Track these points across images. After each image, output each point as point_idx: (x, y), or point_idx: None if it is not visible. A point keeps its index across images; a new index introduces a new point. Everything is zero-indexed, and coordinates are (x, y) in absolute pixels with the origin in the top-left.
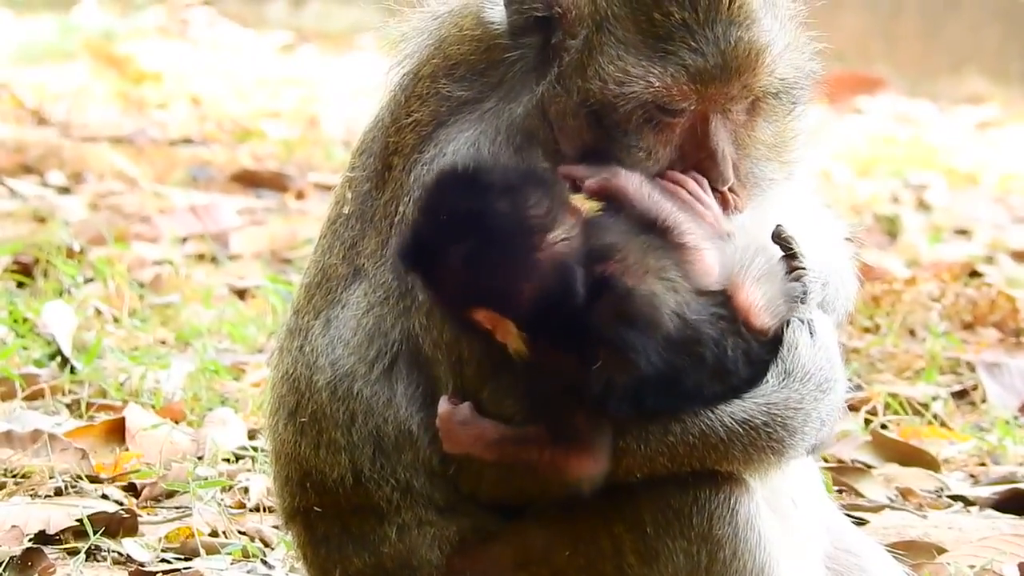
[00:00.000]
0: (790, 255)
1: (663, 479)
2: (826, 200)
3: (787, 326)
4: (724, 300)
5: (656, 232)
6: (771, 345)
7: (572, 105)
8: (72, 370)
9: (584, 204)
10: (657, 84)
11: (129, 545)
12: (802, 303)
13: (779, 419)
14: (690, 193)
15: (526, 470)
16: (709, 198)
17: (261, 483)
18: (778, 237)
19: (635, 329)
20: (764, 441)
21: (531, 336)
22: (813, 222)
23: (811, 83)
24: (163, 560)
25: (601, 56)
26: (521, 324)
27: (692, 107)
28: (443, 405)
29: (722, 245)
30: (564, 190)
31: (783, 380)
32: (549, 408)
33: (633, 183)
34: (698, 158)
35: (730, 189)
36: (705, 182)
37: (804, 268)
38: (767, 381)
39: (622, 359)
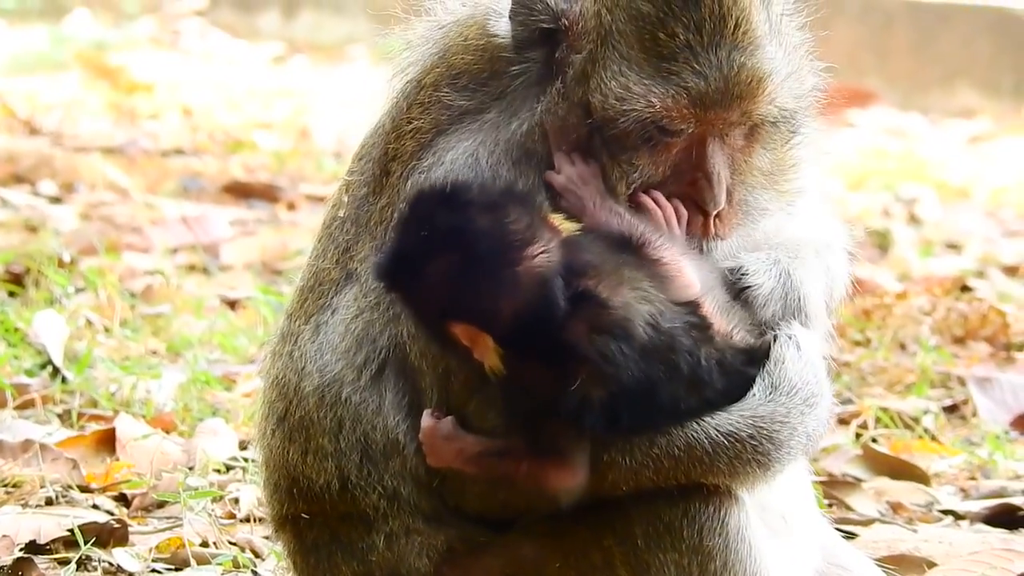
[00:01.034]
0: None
1: (653, 493)
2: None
3: (774, 341)
4: (696, 310)
5: (630, 248)
6: (745, 356)
7: (572, 119)
8: (63, 380)
9: (561, 222)
10: (658, 104)
11: (119, 555)
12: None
13: (765, 432)
14: (663, 214)
15: (507, 484)
16: (679, 224)
17: (251, 494)
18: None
19: (611, 340)
20: (750, 454)
21: (509, 352)
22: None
23: (813, 113)
24: (153, 570)
25: (604, 71)
26: (499, 339)
27: (691, 129)
28: (426, 419)
29: (695, 259)
30: (543, 207)
31: (770, 394)
32: (527, 422)
33: (593, 196)
34: (692, 178)
35: (718, 215)
36: (683, 210)
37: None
38: (753, 394)
39: (598, 371)
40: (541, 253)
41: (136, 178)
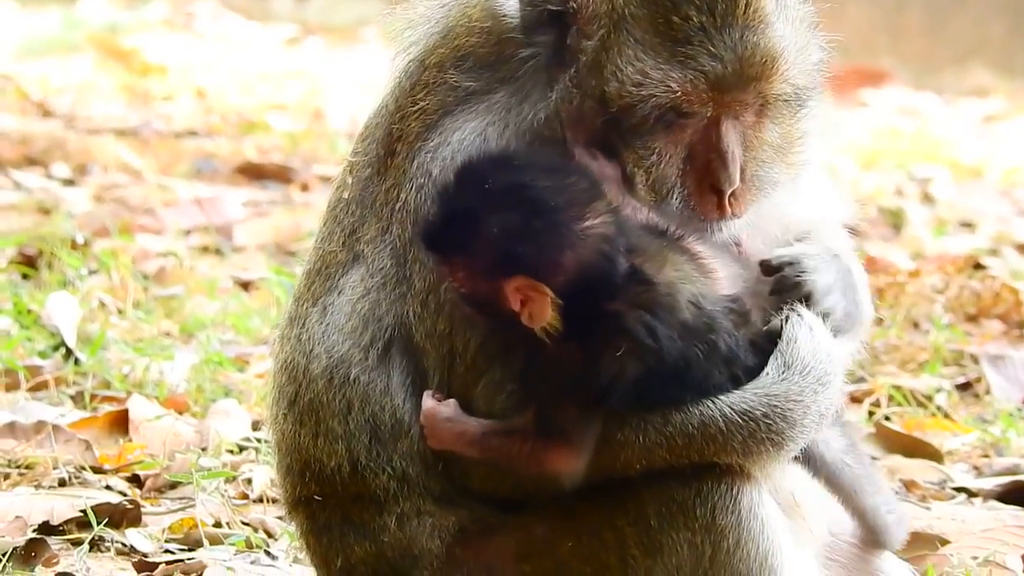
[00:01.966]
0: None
1: (666, 473)
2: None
3: (786, 321)
4: (731, 294)
5: (665, 237)
6: (770, 336)
7: (587, 105)
8: (76, 361)
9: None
10: (677, 89)
11: (133, 536)
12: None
13: (779, 411)
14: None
15: (509, 466)
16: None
17: (264, 474)
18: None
19: (655, 316)
20: (764, 433)
21: (565, 308)
22: (817, 214)
23: (820, 85)
24: (166, 551)
25: (619, 57)
26: (559, 295)
27: (708, 112)
28: (427, 401)
29: (722, 250)
30: (597, 178)
31: (783, 372)
32: (545, 399)
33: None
34: (707, 159)
35: (732, 193)
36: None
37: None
38: (767, 373)
39: (641, 344)
40: (603, 214)
41: (149, 160)
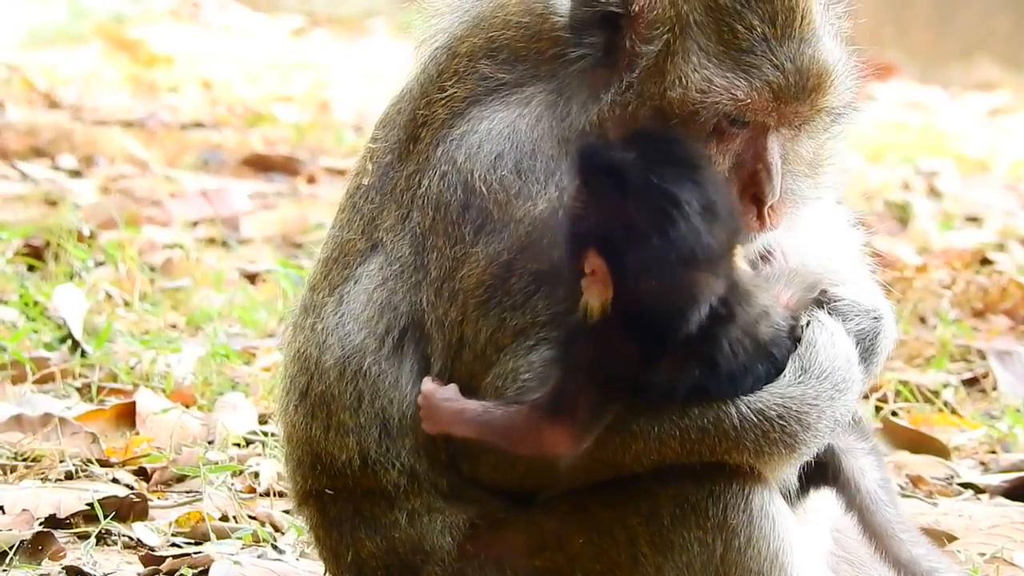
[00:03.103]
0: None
1: (678, 471)
2: (839, 189)
3: (806, 326)
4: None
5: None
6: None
7: (642, 110)
8: (83, 354)
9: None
10: (743, 97)
11: (139, 529)
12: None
13: (794, 413)
14: None
15: (507, 445)
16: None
17: (271, 468)
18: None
19: (729, 335)
20: (777, 434)
21: (612, 315)
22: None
23: (853, 104)
24: (173, 544)
25: (684, 63)
26: (619, 296)
27: (771, 122)
28: (427, 384)
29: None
30: (741, 236)
31: (800, 376)
32: (571, 372)
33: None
34: (753, 169)
35: (771, 204)
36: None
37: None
38: (784, 376)
39: (707, 359)
40: (722, 275)
41: (156, 151)
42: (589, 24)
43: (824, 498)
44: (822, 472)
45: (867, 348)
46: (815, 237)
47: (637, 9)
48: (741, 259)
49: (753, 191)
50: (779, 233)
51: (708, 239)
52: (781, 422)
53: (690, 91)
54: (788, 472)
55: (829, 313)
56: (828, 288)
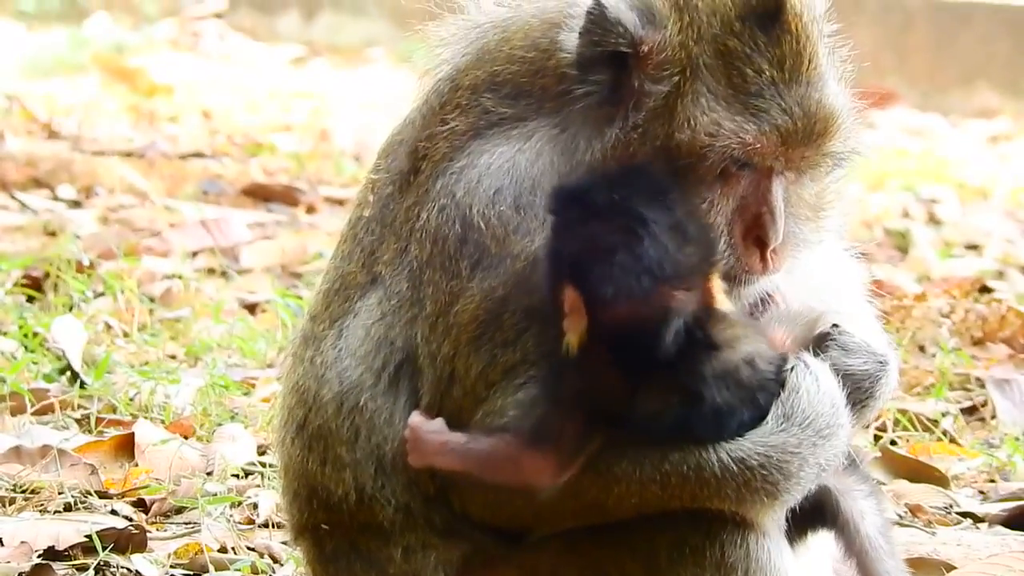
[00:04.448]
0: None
1: (674, 513)
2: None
3: (791, 370)
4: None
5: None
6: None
7: (648, 151)
8: (82, 385)
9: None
10: (751, 140)
11: (138, 561)
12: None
13: (775, 462)
14: None
15: (488, 474)
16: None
17: (270, 499)
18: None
19: (708, 372)
20: (759, 483)
21: (591, 345)
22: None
23: (858, 152)
24: None
25: (693, 105)
26: (593, 331)
27: (779, 167)
28: (414, 417)
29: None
30: (716, 259)
31: (782, 423)
32: (555, 401)
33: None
34: (758, 212)
35: (774, 248)
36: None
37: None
38: (766, 423)
39: (687, 398)
40: (692, 291)
41: (155, 181)
42: (596, 62)
43: (823, 540)
44: (821, 513)
45: (866, 390)
46: (821, 277)
47: (647, 49)
48: (729, 302)
49: (757, 234)
50: (785, 274)
51: (676, 255)
52: (763, 471)
53: (699, 134)
54: (778, 514)
55: (837, 349)
56: (839, 324)
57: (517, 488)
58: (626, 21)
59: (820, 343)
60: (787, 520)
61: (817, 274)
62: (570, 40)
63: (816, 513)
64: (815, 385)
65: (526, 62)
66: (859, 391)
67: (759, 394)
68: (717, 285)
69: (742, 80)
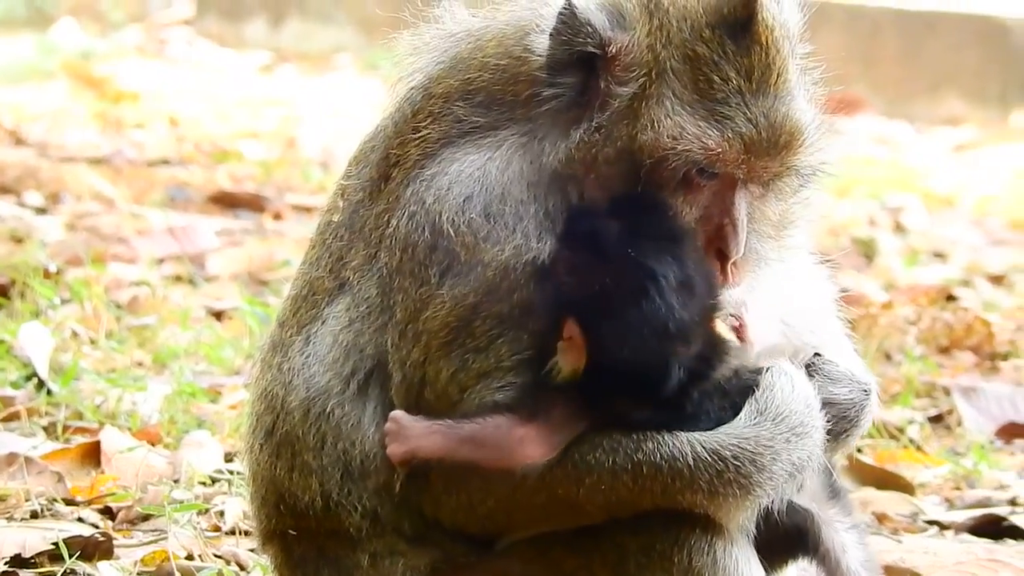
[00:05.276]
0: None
1: (644, 520)
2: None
3: (766, 370)
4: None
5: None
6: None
7: (611, 153)
8: (48, 392)
9: (725, 330)
10: (713, 147)
11: (105, 568)
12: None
13: (748, 453)
14: None
15: (474, 456)
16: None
17: (237, 506)
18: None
19: (698, 390)
20: (731, 474)
21: (587, 376)
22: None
23: (823, 170)
24: None
25: (657, 108)
26: (592, 363)
27: (739, 175)
28: (398, 412)
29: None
30: (718, 308)
31: (755, 418)
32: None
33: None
34: (720, 223)
35: (734, 261)
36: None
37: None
38: (740, 418)
39: (676, 406)
40: (687, 347)
41: (122, 188)
42: (566, 64)
43: (804, 570)
44: (803, 541)
45: (851, 419)
46: (795, 299)
47: (615, 51)
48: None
49: (718, 246)
50: (758, 293)
51: (682, 314)
52: (735, 462)
53: (661, 136)
54: (746, 518)
55: (822, 377)
56: (822, 353)
57: (501, 469)
58: (595, 22)
59: (805, 371)
60: (768, 545)
61: (790, 296)
62: (540, 42)
63: (797, 541)
64: (790, 385)
65: (499, 70)
66: (844, 419)
67: (739, 399)
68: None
69: (708, 86)
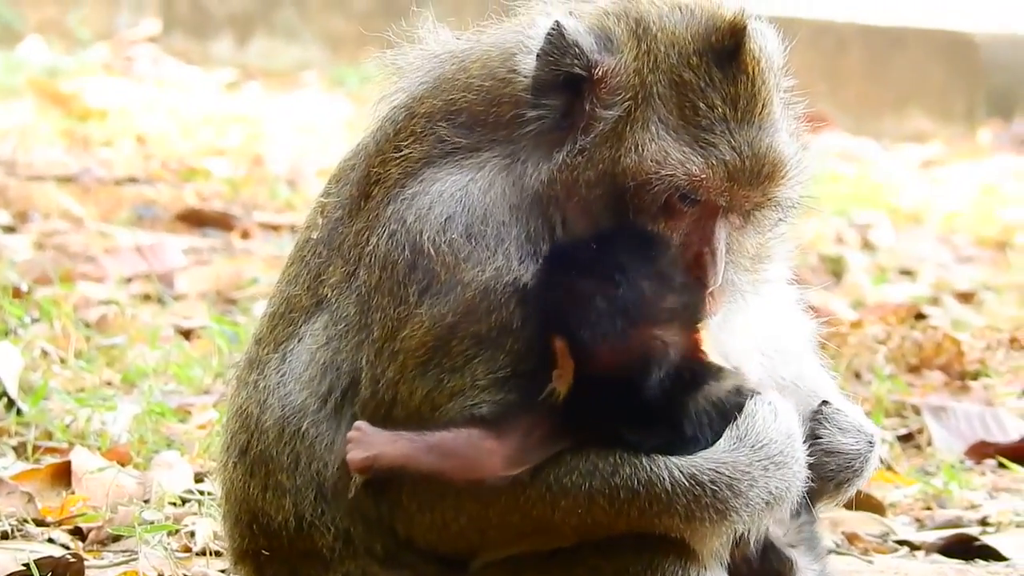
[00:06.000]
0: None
1: (618, 544)
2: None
3: (749, 398)
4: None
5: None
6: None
7: (594, 176)
8: (18, 412)
9: (705, 334)
10: (697, 173)
11: None
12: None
13: (725, 479)
14: None
15: (440, 465)
16: None
17: (208, 527)
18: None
19: (696, 406)
20: (708, 499)
21: (578, 389)
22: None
23: (802, 205)
24: None
25: (642, 132)
26: (579, 376)
27: (721, 202)
28: (362, 422)
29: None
30: (700, 310)
31: (734, 444)
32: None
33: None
34: (699, 251)
35: (711, 291)
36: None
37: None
38: (719, 444)
39: (672, 427)
40: (664, 336)
41: (90, 207)
42: (551, 86)
43: None
44: None
45: (855, 470)
46: (776, 333)
47: (601, 74)
48: (713, 351)
49: (696, 274)
50: (740, 328)
51: (654, 299)
52: (712, 487)
53: (645, 160)
54: (720, 544)
55: (831, 427)
56: (829, 401)
57: (465, 479)
58: (583, 44)
59: (812, 420)
60: None
61: (767, 328)
62: (527, 62)
63: None
64: (772, 415)
65: (483, 91)
66: (849, 469)
67: (725, 423)
68: (704, 338)
69: (694, 113)
